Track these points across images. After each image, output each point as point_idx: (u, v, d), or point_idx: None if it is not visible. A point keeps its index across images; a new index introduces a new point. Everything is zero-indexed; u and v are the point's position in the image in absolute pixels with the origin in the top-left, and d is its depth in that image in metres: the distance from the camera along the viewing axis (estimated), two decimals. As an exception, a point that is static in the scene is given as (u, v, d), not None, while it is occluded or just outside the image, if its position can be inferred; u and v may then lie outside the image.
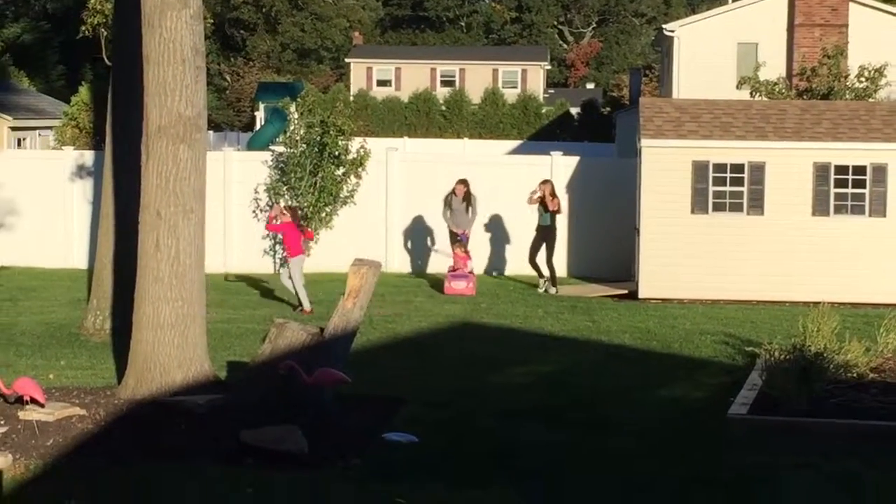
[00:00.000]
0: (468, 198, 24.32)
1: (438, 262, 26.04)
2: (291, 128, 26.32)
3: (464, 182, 24.45)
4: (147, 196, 14.00)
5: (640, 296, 23.17)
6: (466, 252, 23.90)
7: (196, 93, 13.97)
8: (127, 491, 10.42)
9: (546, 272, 24.09)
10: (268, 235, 25.84)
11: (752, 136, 23.19)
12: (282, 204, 23.56)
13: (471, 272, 23.65)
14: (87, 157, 27.86)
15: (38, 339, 18.08)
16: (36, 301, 22.17)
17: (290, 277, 21.10)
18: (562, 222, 26.54)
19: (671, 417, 13.64)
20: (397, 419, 13.08)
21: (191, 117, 13.91)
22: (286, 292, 22.00)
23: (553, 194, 24.09)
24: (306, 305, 20.81)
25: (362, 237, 26.11)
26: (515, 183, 26.17)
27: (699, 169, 23.02)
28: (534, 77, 77.69)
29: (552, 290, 23.84)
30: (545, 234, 24.16)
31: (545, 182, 24.33)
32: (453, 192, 24.40)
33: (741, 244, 22.98)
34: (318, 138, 25.53)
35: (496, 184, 26.39)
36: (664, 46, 41.18)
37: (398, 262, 26.71)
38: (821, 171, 22.86)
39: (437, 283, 24.64)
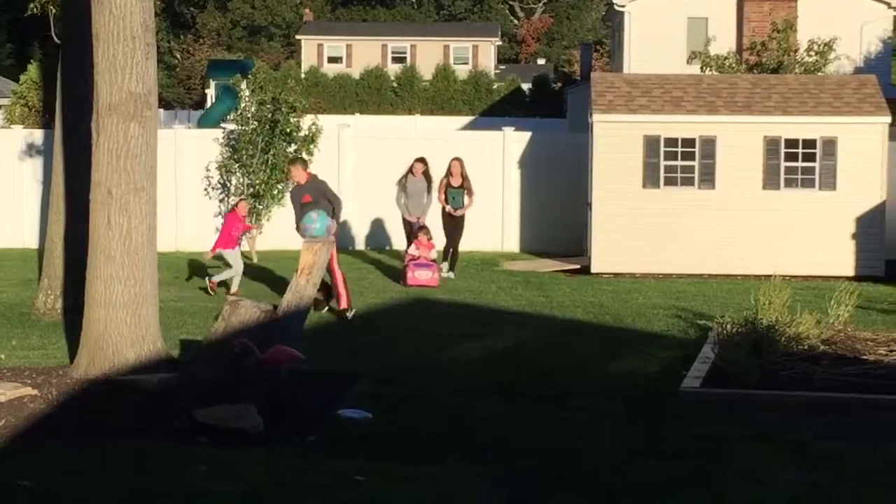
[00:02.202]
0: (428, 179, 22.39)
1: (392, 240, 26.01)
2: (242, 105, 26.22)
3: (422, 161, 22.44)
4: (98, 174, 13.90)
5: (593, 270, 23.25)
6: (431, 238, 21.86)
7: (146, 70, 13.87)
8: (80, 471, 10.37)
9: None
10: (219, 213, 25.75)
11: (702, 111, 23.29)
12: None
13: (434, 261, 21.66)
14: (37, 135, 27.64)
15: (-11, 319, 17.94)
16: (-14, 281, 21.99)
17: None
18: (514, 198, 26.63)
19: (624, 391, 13.71)
20: (351, 396, 13.08)
21: (141, 94, 13.81)
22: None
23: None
24: (215, 279, 20.50)
25: (315, 214, 26.03)
26: (468, 159, 26.11)
27: (650, 143, 23.10)
28: (485, 53, 77.70)
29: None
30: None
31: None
32: (410, 171, 22.41)
33: (693, 218, 23.09)
34: (270, 115, 25.46)
35: (448, 160, 26.33)
36: (615, 21, 41.27)
37: (351, 238, 26.67)
38: (771, 144, 23.00)
39: (391, 261, 24.62)
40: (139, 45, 13.75)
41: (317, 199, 18.61)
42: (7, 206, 27.09)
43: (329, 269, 17.69)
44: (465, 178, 22.54)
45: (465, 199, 22.78)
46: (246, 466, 10.51)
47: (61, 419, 12.13)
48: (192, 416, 11.68)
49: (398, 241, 25.65)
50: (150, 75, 13.92)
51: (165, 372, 13.42)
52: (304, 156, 25.85)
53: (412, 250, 21.71)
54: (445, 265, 22.43)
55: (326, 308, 18.45)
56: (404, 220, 22.65)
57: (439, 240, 22.57)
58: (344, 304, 18.36)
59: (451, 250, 22.63)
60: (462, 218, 22.71)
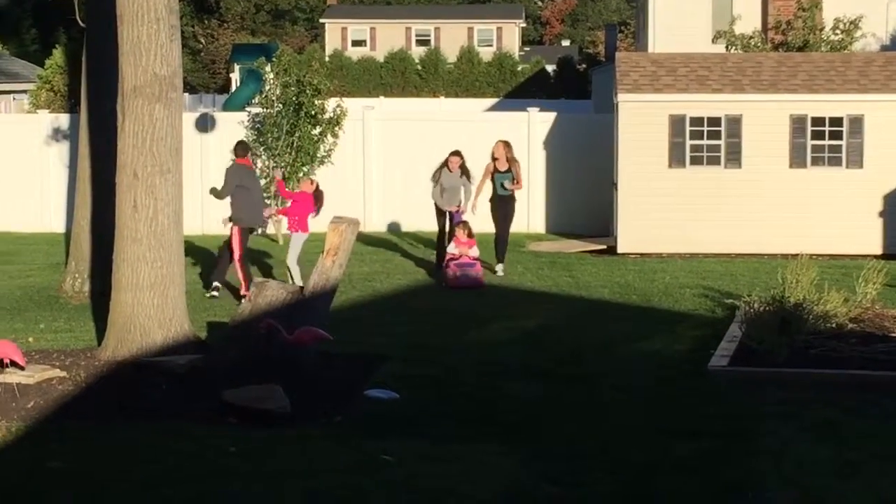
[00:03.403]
0: (465, 172, 20.59)
1: (418, 221, 25.98)
2: (267, 88, 26.23)
3: (458, 154, 20.67)
4: (124, 157, 13.93)
5: (619, 251, 23.20)
6: (471, 234, 19.97)
7: (171, 52, 13.89)
8: (108, 452, 10.40)
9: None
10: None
11: (728, 89, 23.17)
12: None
13: (477, 259, 19.74)
14: (63, 119, 27.71)
15: (17, 303, 18.01)
16: (13, 265, 22.08)
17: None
18: (539, 179, 26.58)
19: (652, 370, 13.67)
20: (379, 376, 13.08)
21: (166, 76, 13.83)
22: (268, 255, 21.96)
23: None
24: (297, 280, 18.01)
25: (340, 196, 26.04)
26: (493, 140, 26.08)
27: (676, 123, 23.00)
28: (509, 35, 77.54)
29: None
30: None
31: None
32: (445, 166, 20.59)
33: (719, 197, 23.00)
34: (294, 98, 25.44)
35: (473, 141, 26.32)
36: (639, 2, 41.06)
37: (376, 220, 26.67)
38: (797, 123, 22.87)
39: (417, 243, 24.60)
40: (163, 26, 13.77)
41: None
42: (34, 190, 27.18)
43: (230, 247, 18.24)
44: (510, 160, 20.83)
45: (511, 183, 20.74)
46: (274, 447, 10.52)
47: (89, 401, 12.18)
48: (220, 397, 11.71)
49: (424, 223, 25.59)
50: (174, 57, 13.93)
51: (193, 353, 13.46)
52: (329, 138, 25.87)
53: (451, 248, 19.82)
54: (500, 267, 20.66)
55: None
56: (438, 210, 20.71)
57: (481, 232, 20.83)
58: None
59: (502, 234, 20.79)
60: (512, 204, 20.88)
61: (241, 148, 19.13)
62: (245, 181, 18.59)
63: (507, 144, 20.99)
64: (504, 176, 20.76)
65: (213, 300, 18.00)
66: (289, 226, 19.13)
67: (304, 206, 18.84)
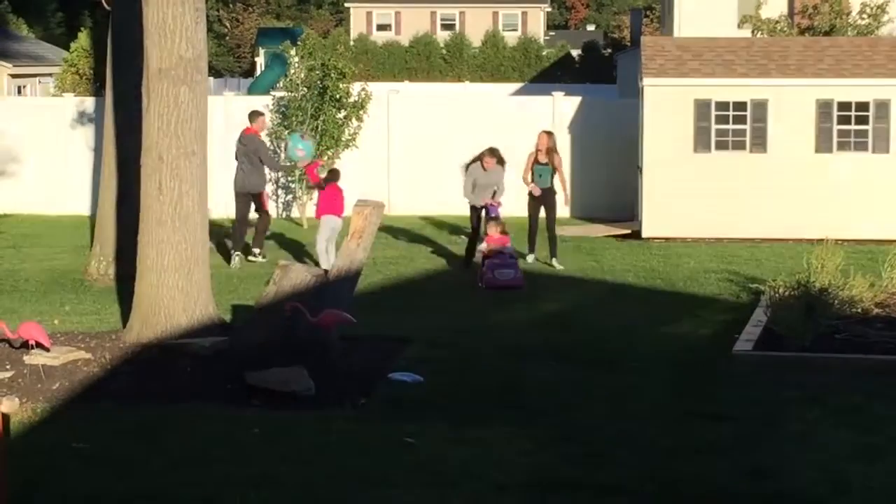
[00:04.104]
0: (501, 163, 19.53)
1: (443, 205, 25.94)
2: (292, 71, 26.23)
3: (493, 153, 19.44)
4: (149, 139, 13.95)
5: (644, 235, 23.14)
6: (505, 231, 18.85)
7: (196, 34, 13.88)
8: (134, 434, 10.44)
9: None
10: (271, 180, 25.77)
11: (754, 74, 23.08)
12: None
13: (512, 257, 18.31)
14: (88, 103, 27.78)
15: (43, 286, 18.08)
16: (39, 248, 22.15)
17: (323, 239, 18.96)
18: (564, 163, 26.48)
19: (676, 354, 13.65)
20: (403, 359, 13.09)
21: (191, 59, 13.83)
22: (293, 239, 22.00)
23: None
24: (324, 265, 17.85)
25: (365, 180, 26.04)
26: (517, 124, 26.14)
27: (701, 107, 22.92)
28: (534, 19, 77.32)
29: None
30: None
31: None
32: (480, 163, 19.41)
33: (744, 182, 22.90)
34: (319, 81, 25.44)
35: (498, 125, 26.33)
36: (665, -14, 40.92)
37: (401, 204, 26.65)
38: (824, 107, 22.76)
39: (441, 226, 24.58)
40: (188, 9, 13.77)
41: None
42: (59, 173, 27.24)
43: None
44: (551, 151, 19.91)
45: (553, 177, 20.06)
46: (298, 429, 10.55)
47: (115, 383, 12.23)
48: (245, 379, 11.73)
49: (448, 207, 25.57)
50: (199, 40, 13.93)
51: (217, 336, 13.48)
52: (354, 122, 25.85)
53: (482, 246, 18.63)
54: (531, 257, 20.02)
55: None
56: (472, 208, 19.68)
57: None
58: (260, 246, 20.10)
59: (544, 234, 20.01)
60: (552, 196, 20.02)
61: (251, 116, 20.80)
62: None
63: (549, 135, 20.24)
64: (544, 168, 19.97)
65: (240, 280, 18.01)
66: (316, 213, 19.57)
67: (331, 192, 19.01)
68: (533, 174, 20.02)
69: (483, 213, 19.54)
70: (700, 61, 23.40)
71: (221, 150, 25.87)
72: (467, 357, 13.39)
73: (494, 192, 19.48)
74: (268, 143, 26.26)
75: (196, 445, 10.12)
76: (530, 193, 20.11)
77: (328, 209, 18.89)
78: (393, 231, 23.12)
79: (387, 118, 26.80)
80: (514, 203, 21.43)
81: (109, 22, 18.95)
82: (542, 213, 20.20)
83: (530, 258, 20.03)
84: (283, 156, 24.91)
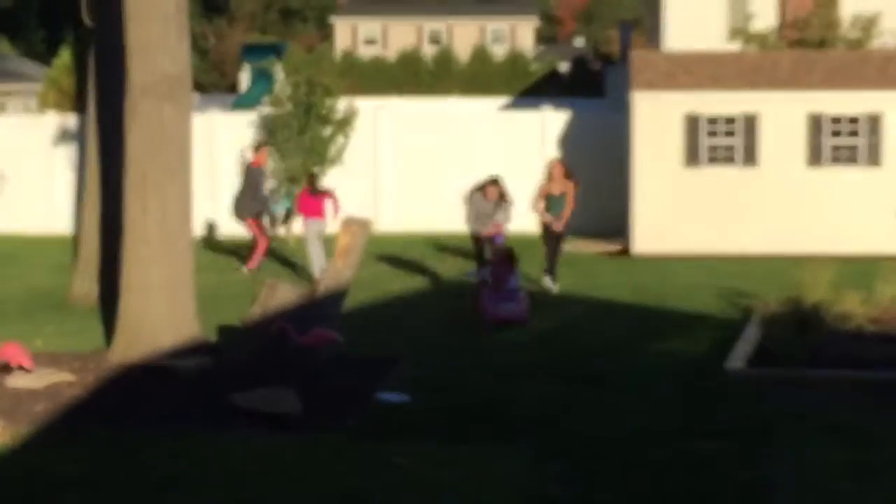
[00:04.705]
0: (504, 198, 18.65)
1: (431, 222, 25.79)
2: (277, 87, 26.08)
3: (496, 183, 18.61)
4: (132, 157, 13.76)
5: (634, 251, 23.00)
6: (512, 259, 17.28)
7: (180, 51, 13.73)
8: (117, 456, 10.27)
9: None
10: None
11: (744, 88, 22.98)
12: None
13: (518, 288, 16.81)
14: (70, 120, 27.58)
15: (25, 306, 17.90)
16: (21, 268, 21.97)
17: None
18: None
19: (667, 371, 13.51)
20: (390, 378, 12.94)
21: (175, 75, 13.66)
22: (278, 254, 21.86)
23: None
24: (316, 273, 19.20)
25: (352, 197, 25.85)
26: (506, 139, 26.02)
27: (691, 122, 22.81)
28: (522, 33, 77.29)
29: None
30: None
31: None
32: (482, 192, 18.64)
33: (735, 197, 22.80)
34: (305, 98, 25.29)
35: (486, 140, 26.21)
36: None
37: (389, 221, 26.48)
38: (815, 121, 22.67)
39: (429, 243, 24.44)
40: (171, 25, 13.61)
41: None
42: (41, 191, 27.04)
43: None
44: (566, 180, 18.94)
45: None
46: (285, 450, 10.40)
47: (99, 405, 12.05)
48: (231, 400, 11.54)
49: (436, 222, 25.43)
50: (183, 56, 13.77)
51: (203, 356, 13.30)
52: (340, 138, 25.70)
53: (486, 274, 17.17)
54: (548, 279, 19.03)
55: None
56: (473, 237, 18.88)
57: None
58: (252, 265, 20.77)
59: (551, 258, 19.16)
60: (564, 229, 19.21)
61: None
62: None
63: (563, 164, 19.25)
64: (558, 201, 18.90)
65: (225, 299, 17.86)
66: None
67: (304, 201, 20.37)
68: (547, 205, 18.93)
69: (488, 242, 18.59)
70: (690, 75, 23.29)
71: (206, 168, 25.73)
72: (455, 376, 13.23)
73: (498, 226, 18.66)
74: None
75: (181, 468, 9.96)
76: (544, 224, 19.08)
77: (309, 213, 20.09)
78: (380, 248, 22.94)
79: (373, 134, 26.65)
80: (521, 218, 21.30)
81: (92, 39, 18.75)
82: None
83: (555, 287, 18.89)
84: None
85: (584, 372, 13.48)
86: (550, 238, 19.09)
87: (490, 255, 18.14)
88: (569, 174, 19.05)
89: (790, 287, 15.62)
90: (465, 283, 18.77)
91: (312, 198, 20.12)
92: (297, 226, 25.23)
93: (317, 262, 19.56)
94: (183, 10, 13.77)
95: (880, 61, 23.66)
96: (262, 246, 21.01)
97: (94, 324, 16.26)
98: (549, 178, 19.01)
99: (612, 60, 64.23)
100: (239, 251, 22.55)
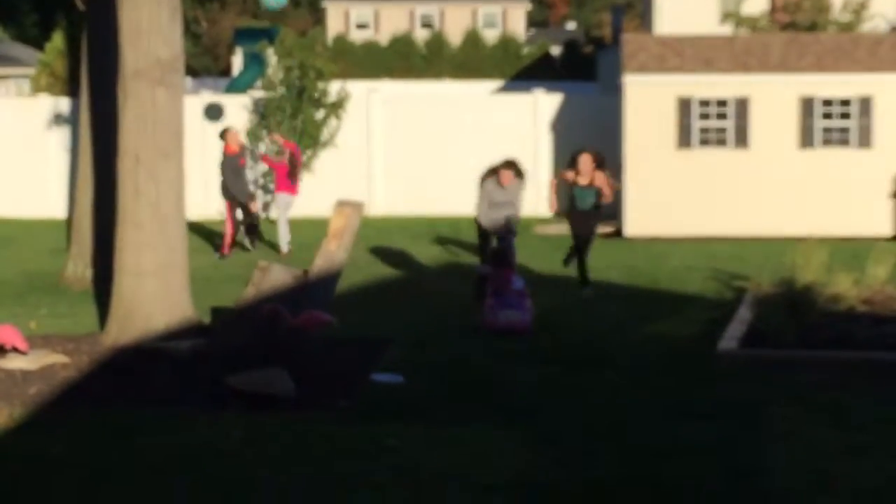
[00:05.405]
0: (520, 175, 16.68)
1: (423, 205, 25.82)
2: (269, 71, 26.08)
3: (511, 165, 16.52)
4: (125, 141, 13.77)
5: (626, 233, 23.04)
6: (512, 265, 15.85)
7: (172, 34, 13.72)
8: (112, 438, 10.29)
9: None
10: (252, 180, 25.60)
11: (736, 70, 23.00)
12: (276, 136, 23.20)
13: (521, 292, 14.98)
14: (63, 104, 27.53)
15: (18, 289, 17.90)
16: (14, 251, 21.96)
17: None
18: (546, 161, 26.37)
19: (660, 353, 13.54)
20: (384, 360, 12.96)
21: (168, 59, 13.66)
22: (272, 236, 21.87)
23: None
24: (283, 246, 21.06)
25: (345, 180, 25.90)
26: (499, 122, 26.06)
27: (683, 104, 22.83)
28: (514, 17, 77.16)
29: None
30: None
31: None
32: (496, 178, 16.50)
33: (727, 179, 22.84)
34: (297, 81, 25.29)
35: (479, 123, 26.23)
36: (645, -17, 40.87)
37: (382, 204, 26.51)
38: (806, 104, 22.70)
39: (422, 226, 24.45)
40: (164, 9, 13.61)
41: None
42: (35, 175, 27.01)
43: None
44: (597, 172, 17.17)
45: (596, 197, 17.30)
46: (279, 432, 10.42)
47: (93, 387, 12.06)
48: (224, 381, 11.57)
49: (429, 205, 25.49)
50: (175, 40, 13.76)
51: (196, 338, 13.32)
52: (333, 121, 25.71)
53: (486, 269, 15.80)
54: (588, 290, 17.20)
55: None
56: (480, 231, 16.86)
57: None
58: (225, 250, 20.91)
59: (579, 253, 17.33)
60: (595, 219, 17.47)
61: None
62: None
63: (594, 158, 17.23)
64: (587, 192, 17.13)
65: (218, 281, 17.89)
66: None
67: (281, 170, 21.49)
68: (575, 198, 17.30)
69: (495, 240, 16.66)
70: (681, 58, 23.31)
71: (199, 151, 25.72)
72: (450, 358, 13.26)
73: (509, 220, 16.66)
74: (246, 143, 26.15)
75: (175, 449, 9.97)
76: (570, 215, 17.47)
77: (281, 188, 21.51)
78: (373, 231, 22.97)
79: (366, 117, 26.65)
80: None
81: (84, 22, 18.74)
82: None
83: (587, 291, 17.21)
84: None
85: (577, 354, 13.51)
86: (580, 224, 17.34)
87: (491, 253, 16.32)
88: (600, 164, 17.24)
89: (782, 269, 15.65)
90: (461, 266, 18.77)
91: (280, 167, 21.48)
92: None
93: (284, 236, 21.03)
94: (175, -7, 13.77)
95: (871, 44, 23.70)
96: (228, 232, 21.14)
97: (87, 306, 16.28)
98: (576, 170, 17.19)
99: (603, 44, 64.21)
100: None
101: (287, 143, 21.83)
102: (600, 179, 17.14)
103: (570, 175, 17.30)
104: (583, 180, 17.19)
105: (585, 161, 17.13)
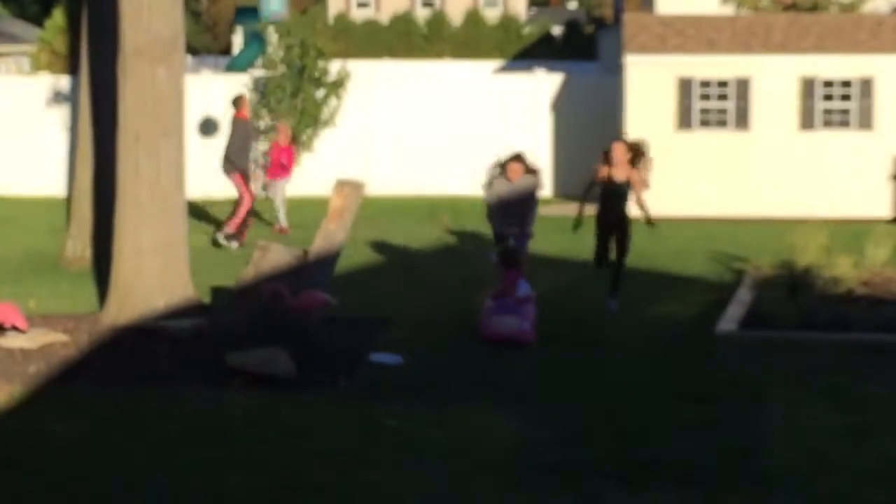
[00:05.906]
0: (533, 173, 15.09)
1: (423, 184, 25.78)
2: (270, 50, 26.02)
3: (518, 158, 14.86)
4: (125, 119, 13.74)
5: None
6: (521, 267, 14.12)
7: (173, 12, 13.69)
8: (113, 417, 10.30)
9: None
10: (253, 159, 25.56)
11: (737, 51, 22.95)
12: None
13: (525, 299, 13.51)
14: (63, 82, 27.45)
15: (18, 268, 17.87)
16: (14, 230, 21.92)
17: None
18: (546, 142, 26.34)
19: (660, 335, 13.55)
20: (383, 340, 12.97)
21: (168, 37, 13.63)
22: (270, 215, 21.86)
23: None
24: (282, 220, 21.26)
25: (344, 160, 25.85)
26: (500, 102, 26.01)
27: (684, 85, 22.79)
28: (516, -4, 76.86)
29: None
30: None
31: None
32: (502, 172, 14.90)
33: (727, 161, 22.80)
34: (298, 60, 25.24)
35: (480, 103, 26.18)
36: (646, -37, 40.74)
37: (382, 184, 26.46)
38: (807, 85, 22.65)
39: (424, 205, 24.43)
40: (165, -14, 13.56)
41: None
42: (34, 153, 26.95)
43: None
44: (631, 161, 15.12)
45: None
46: (279, 411, 10.43)
47: (93, 366, 12.08)
48: (224, 361, 11.58)
49: (429, 184, 25.46)
50: (176, 17, 13.73)
51: (196, 318, 13.32)
52: (333, 100, 25.66)
53: (494, 258, 14.67)
54: (612, 303, 15.05)
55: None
56: (496, 233, 15.10)
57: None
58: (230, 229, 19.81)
59: (614, 277, 15.27)
60: (628, 220, 15.48)
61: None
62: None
63: (630, 147, 15.22)
64: (621, 189, 15.21)
65: (218, 261, 17.87)
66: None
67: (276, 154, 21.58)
68: (608, 198, 15.36)
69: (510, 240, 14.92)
70: (683, 38, 23.26)
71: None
72: (449, 338, 13.27)
73: (524, 221, 15.16)
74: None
75: (175, 428, 10.00)
76: (598, 217, 15.53)
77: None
78: (373, 211, 22.94)
79: (366, 97, 26.59)
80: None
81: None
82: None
83: (612, 304, 15.13)
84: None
85: (577, 335, 13.52)
86: (613, 227, 15.45)
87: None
88: (637, 153, 15.20)
89: (782, 250, 15.67)
90: (460, 246, 18.75)
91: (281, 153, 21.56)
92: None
93: (282, 209, 21.25)
94: (176, -29, 13.73)
95: (873, 25, 23.64)
96: (246, 203, 19.86)
97: (87, 285, 16.27)
98: (610, 162, 15.03)
99: (605, 24, 64.06)
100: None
101: (286, 147, 21.67)
102: (632, 174, 15.10)
103: (604, 170, 15.10)
104: (618, 173, 15.02)
105: (619, 151, 15.00)
